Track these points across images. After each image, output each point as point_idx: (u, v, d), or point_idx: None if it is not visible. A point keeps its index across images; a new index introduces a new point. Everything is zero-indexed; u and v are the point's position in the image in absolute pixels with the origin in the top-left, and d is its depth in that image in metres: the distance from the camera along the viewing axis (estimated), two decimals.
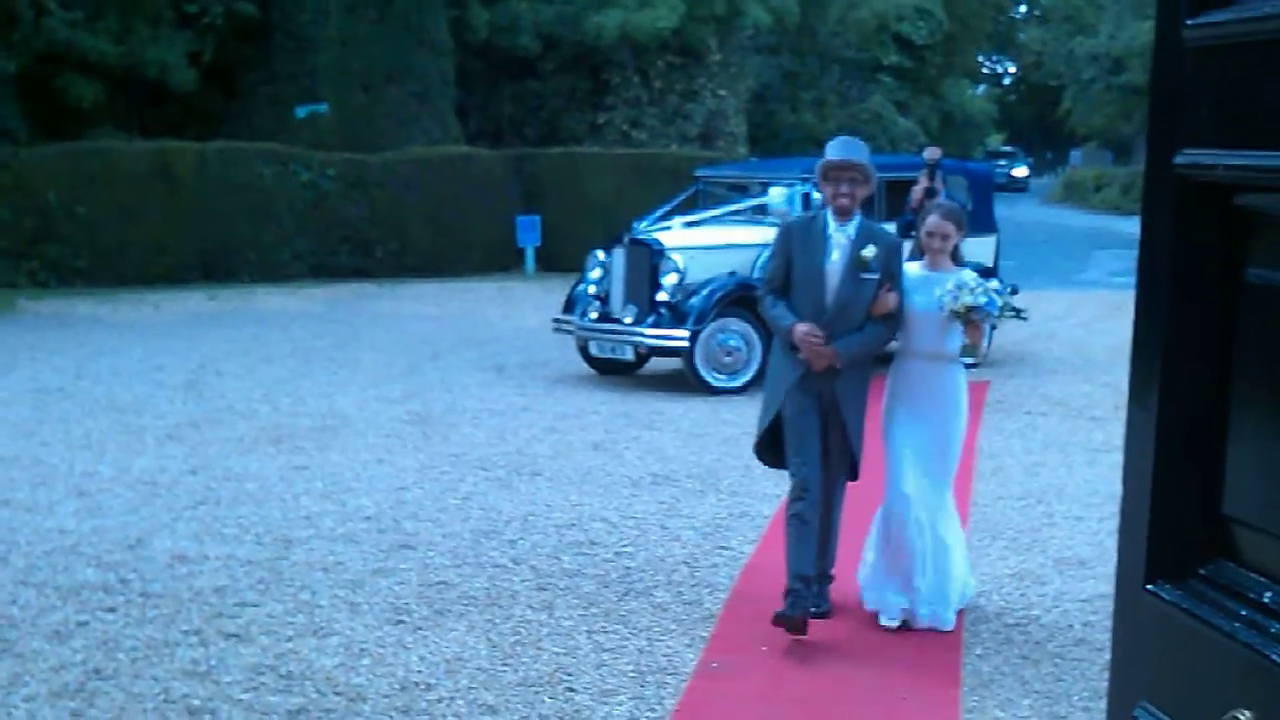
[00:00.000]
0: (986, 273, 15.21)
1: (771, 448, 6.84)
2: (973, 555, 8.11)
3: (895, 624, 6.67)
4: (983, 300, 6.27)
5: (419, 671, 6.19)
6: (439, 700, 5.88)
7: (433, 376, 14.59)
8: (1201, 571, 1.67)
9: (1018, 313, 7.45)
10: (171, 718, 5.62)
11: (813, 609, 6.57)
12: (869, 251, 6.48)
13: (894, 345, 6.97)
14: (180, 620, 6.79)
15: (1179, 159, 1.75)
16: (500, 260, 26.37)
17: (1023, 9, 62.82)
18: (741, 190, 16.08)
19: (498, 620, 6.89)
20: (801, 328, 6.51)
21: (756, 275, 12.60)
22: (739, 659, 6.37)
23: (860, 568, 6.97)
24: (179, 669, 6.15)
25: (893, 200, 14.76)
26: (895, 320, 6.62)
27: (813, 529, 6.60)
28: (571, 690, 6.02)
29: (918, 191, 13.87)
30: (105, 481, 9.60)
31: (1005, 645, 6.71)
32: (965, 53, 54.34)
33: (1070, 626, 6.94)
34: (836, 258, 6.56)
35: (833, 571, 6.94)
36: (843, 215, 6.61)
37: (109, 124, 25.56)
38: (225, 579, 7.46)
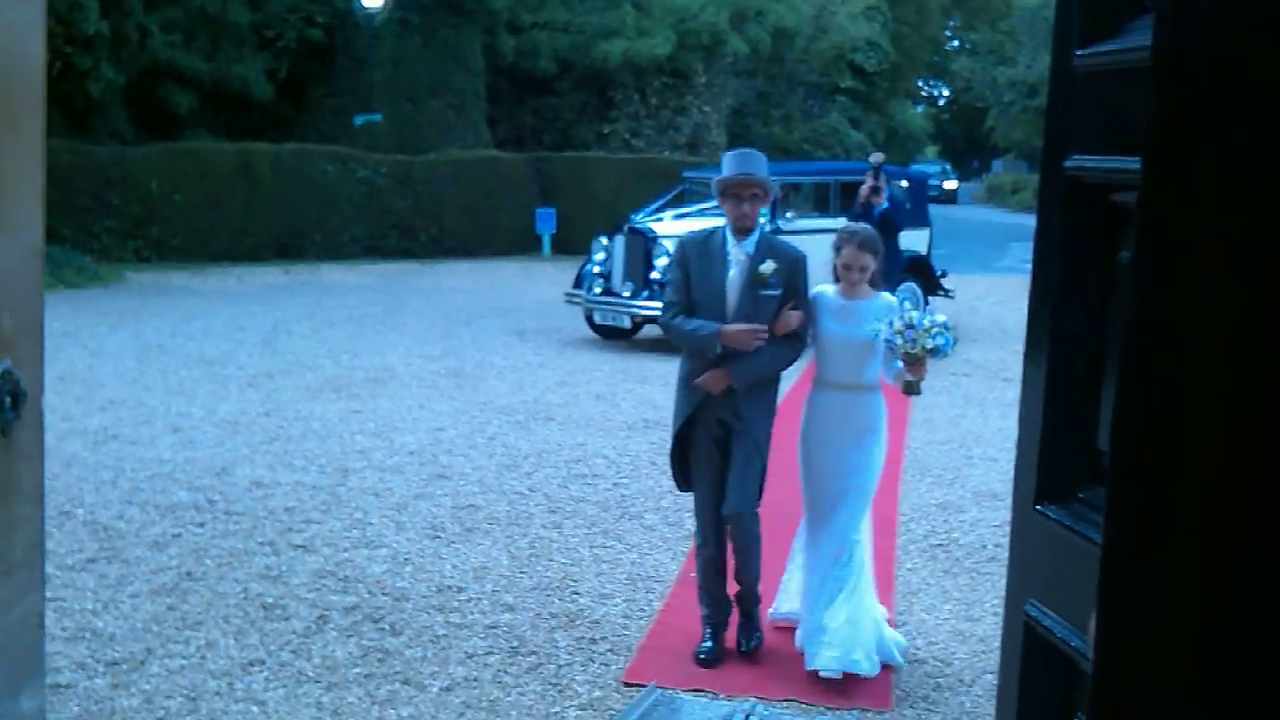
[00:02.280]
0: (919, 263, 15.28)
1: (676, 474, 5.46)
2: (904, 489, 8.16)
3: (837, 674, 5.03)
4: (940, 342, 5.01)
5: (452, 577, 6.24)
6: (468, 600, 5.93)
7: (465, 338, 14.60)
8: (1081, 495, 1.70)
9: (945, 290, 5.75)
10: (249, 612, 5.68)
11: (743, 647, 5.35)
12: (767, 267, 5.12)
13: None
14: (257, 534, 6.84)
15: (1068, 163, 1.77)
16: (522, 244, 26.29)
17: (955, 43, 62.40)
18: None
19: (516, 536, 6.94)
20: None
21: None
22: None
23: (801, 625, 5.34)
24: (255, 573, 6.20)
25: (845, 198, 14.86)
26: (799, 341, 5.24)
27: (720, 576, 5.41)
28: (576, 593, 6.07)
29: (865, 189, 13.85)
30: (196, 420, 9.63)
31: (930, 561, 6.76)
32: (908, 78, 54.17)
33: (984, 547, 6.99)
34: (734, 275, 5.18)
35: (759, 590, 5.47)
36: (744, 234, 5.22)
37: (201, 128, 25.45)
38: (294, 501, 7.51)
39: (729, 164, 5.32)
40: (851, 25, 38.83)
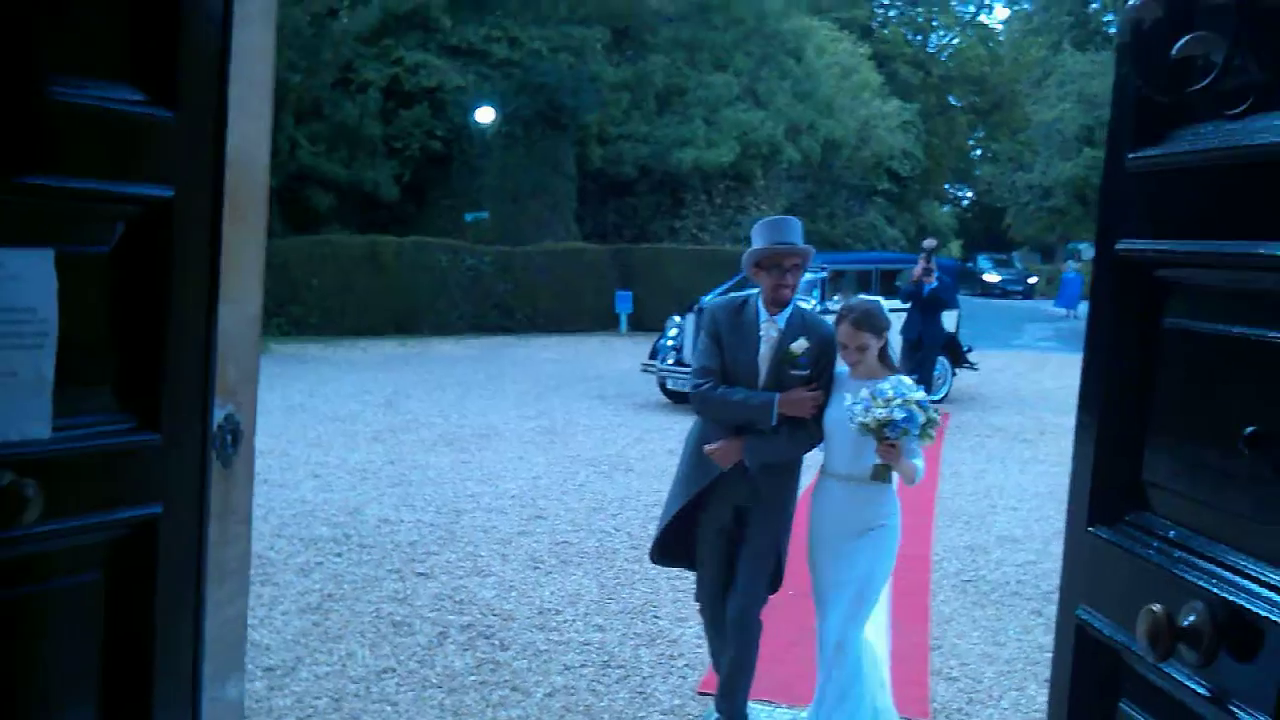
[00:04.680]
0: (949, 340, 15.19)
1: (662, 547, 4.51)
2: (937, 532, 8.07)
3: None
4: (899, 416, 3.80)
5: (550, 601, 6.26)
6: (564, 621, 5.93)
7: (556, 401, 14.69)
8: (1128, 518, 1.73)
9: (930, 393, 4.37)
10: (381, 628, 5.72)
11: None
12: (799, 346, 4.13)
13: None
14: (386, 563, 6.91)
15: (1119, 246, 1.81)
16: (603, 322, 26.47)
17: (978, 152, 62.19)
18: None
19: (604, 568, 6.95)
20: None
21: None
22: (772, 599, 6.34)
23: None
24: (385, 595, 6.26)
25: (884, 283, 15.01)
26: (817, 425, 4.14)
27: (723, 638, 4.44)
28: (656, 616, 6.06)
29: (918, 269, 13.73)
30: (332, 468, 9.76)
31: (960, 595, 6.67)
32: (936, 182, 54.01)
33: (1007, 583, 6.89)
34: (765, 351, 4.19)
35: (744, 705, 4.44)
36: (780, 306, 4.21)
37: (337, 223, 26.02)
38: (416, 535, 7.57)
39: (764, 233, 4.21)
40: (890, 137, 38.99)
